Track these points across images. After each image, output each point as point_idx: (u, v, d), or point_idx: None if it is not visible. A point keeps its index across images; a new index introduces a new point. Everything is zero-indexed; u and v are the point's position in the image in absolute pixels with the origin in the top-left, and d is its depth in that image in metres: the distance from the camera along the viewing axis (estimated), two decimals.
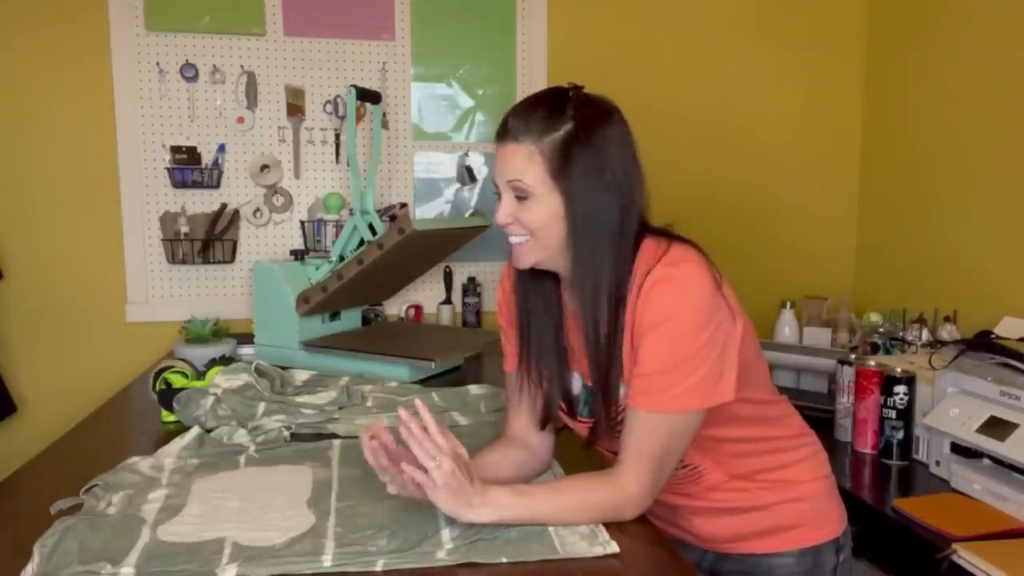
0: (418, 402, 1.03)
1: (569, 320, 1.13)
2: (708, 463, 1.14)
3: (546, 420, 1.18)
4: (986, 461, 1.45)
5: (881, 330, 2.09)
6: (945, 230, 2.35)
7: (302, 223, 2.43)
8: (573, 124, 1.01)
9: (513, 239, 1.06)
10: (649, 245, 1.05)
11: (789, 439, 1.19)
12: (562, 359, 1.14)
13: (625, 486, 1.02)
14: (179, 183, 2.35)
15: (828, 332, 2.23)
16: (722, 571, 1.20)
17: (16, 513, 1.10)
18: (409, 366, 1.86)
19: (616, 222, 1.03)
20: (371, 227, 2.02)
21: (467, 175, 2.55)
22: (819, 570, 1.17)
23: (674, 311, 0.99)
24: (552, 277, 1.13)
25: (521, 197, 1.03)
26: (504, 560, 0.94)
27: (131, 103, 2.33)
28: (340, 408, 1.57)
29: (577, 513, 1.02)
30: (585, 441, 1.16)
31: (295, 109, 2.42)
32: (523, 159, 1.02)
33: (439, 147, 2.54)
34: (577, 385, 1.15)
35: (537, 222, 1.03)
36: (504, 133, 1.04)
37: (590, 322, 1.04)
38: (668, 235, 1.07)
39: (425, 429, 0.98)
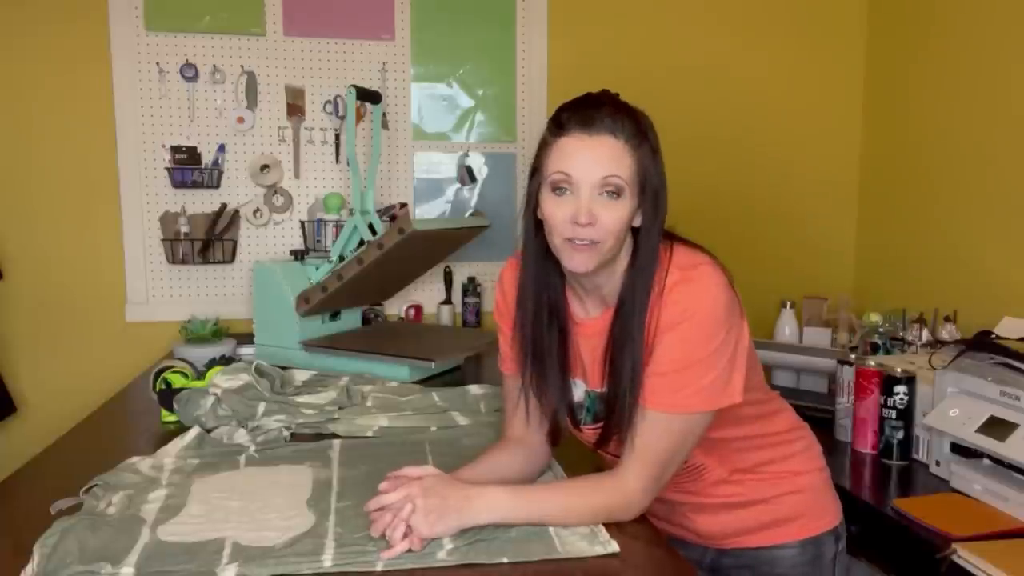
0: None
1: (581, 326, 1.12)
2: (710, 461, 1.14)
3: (556, 433, 1.17)
4: (986, 461, 1.44)
5: (881, 330, 2.09)
6: (945, 230, 2.35)
7: (302, 223, 2.43)
8: (651, 138, 1.03)
9: (580, 241, 1.01)
10: (662, 249, 1.05)
11: (784, 433, 1.20)
12: (564, 368, 1.13)
13: (627, 486, 1.02)
14: (179, 183, 2.35)
15: (828, 332, 2.22)
16: (723, 567, 1.21)
17: (16, 513, 1.11)
18: (409, 366, 1.86)
19: (659, 241, 1.05)
20: (371, 227, 2.02)
21: (467, 175, 2.55)
22: (820, 560, 1.18)
23: (692, 312, 1.00)
24: (558, 283, 1.11)
25: (614, 193, 1.00)
26: (504, 560, 0.94)
27: (131, 103, 2.33)
28: (340, 408, 1.56)
29: (579, 514, 1.02)
30: (594, 445, 1.15)
31: (295, 109, 2.42)
32: (620, 155, 1.00)
33: (439, 147, 2.54)
34: (579, 392, 1.15)
35: (619, 224, 1.00)
36: (594, 124, 1.00)
37: (629, 331, 1.03)
38: (671, 237, 1.08)
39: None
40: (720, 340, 1.00)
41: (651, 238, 1.04)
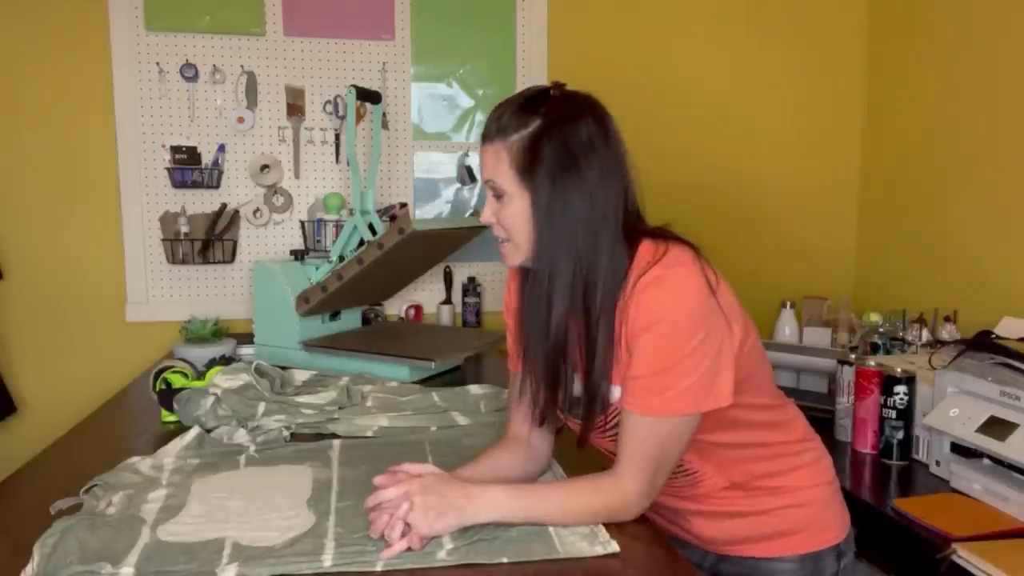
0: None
1: (574, 322, 1.12)
2: (708, 468, 1.13)
3: (542, 418, 1.17)
4: (986, 461, 1.45)
5: (881, 330, 2.09)
6: (945, 230, 2.35)
7: (302, 223, 2.43)
8: (541, 121, 1.02)
9: (499, 242, 1.10)
10: (647, 247, 1.04)
11: (791, 444, 1.18)
12: (559, 358, 1.12)
13: (624, 488, 1.02)
14: (179, 183, 2.35)
15: (828, 332, 2.22)
16: (722, 572, 1.20)
17: (16, 513, 1.11)
18: (409, 366, 1.86)
19: (589, 219, 1.02)
20: (371, 227, 2.02)
21: (467, 175, 2.55)
22: None
23: (665, 313, 0.98)
24: None
25: (498, 196, 1.06)
26: (504, 560, 0.94)
27: (131, 103, 2.33)
28: (340, 408, 1.56)
29: (578, 514, 1.02)
30: (577, 441, 1.15)
31: (295, 109, 2.42)
32: (493, 159, 1.05)
33: (439, 147, 2.54)
34: (579, 386, 1.14)
35: (509, 221, 1.06)
36: (483, 134, 1.07)
37: (589, 326, 1.03)
38: (665, 236, 1.06)
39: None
40: (698, 341, 0.98)
41: (535, 234, 1.04)
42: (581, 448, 1.15)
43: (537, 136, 1.01)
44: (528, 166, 1.02)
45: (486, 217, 1.09)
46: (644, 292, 1.00)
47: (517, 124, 1.03)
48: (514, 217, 1.05)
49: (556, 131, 1.01)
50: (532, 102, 1.04)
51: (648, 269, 1.01)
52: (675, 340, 0.99)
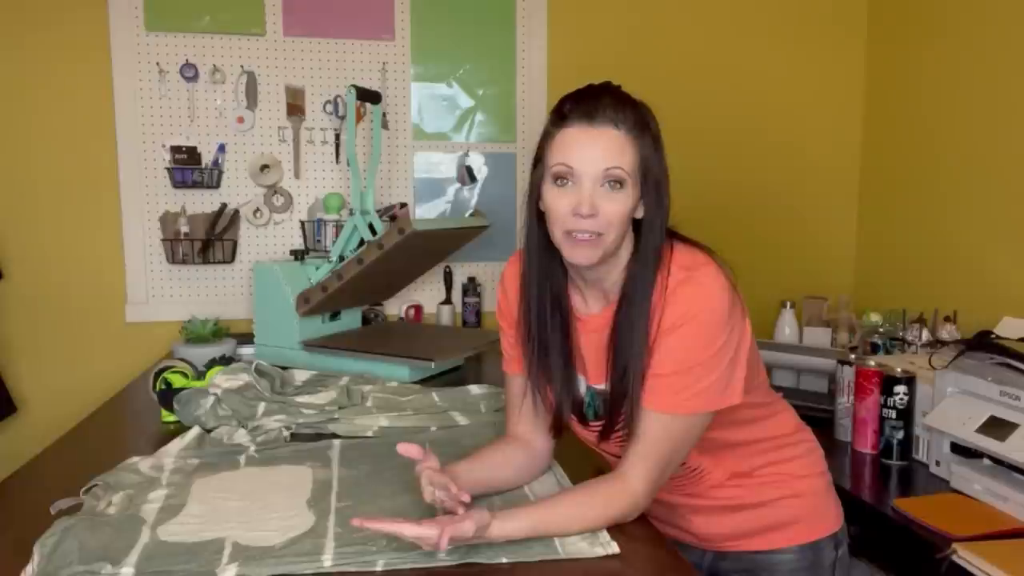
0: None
1: (583, 322, 1.12)
2: (708, 463, 1.14)
3: (559, 426, 1.17)
4: (986, 461, 1.45)
5: (881, 330, 2.09)
6: (945, 230, 2.35)
7: (302, 223, 2.43)
8: (652, 128, 1.03)
9: (582, 235, 1.00)
10: (664, 247, 1.05)
11: (786, 436, 1.19)
12: (568, 363, 1.12)
13: (632, 489, 1.02)
14: (179, 183, 2.35)
15: (828, 332, 2.22)
16: (721, 570, 1.21)
17: (16, 513, 1.11)
18: (409, 366, 1.85)
19: (663, 234, 1.05)
20: (371, 227, 2.02)
21: (467, 175, 2.55)
22: (819, 565, 1.17)
23: (694, 314, 0.99)
24: (559, 279, 1.11)
25: (616, 184, 1.00)
26: (504, 560, 0.94)
27: (131, 103, 2.33)
28: (340, 408, 1.56)
29: (587, 522, 1.01)
30: (595, 442, 1.15)
31: (295, 109, 2.42)
32: (621, 146, 0.99)
33: (439, 147, 2.54)
34: (582, 388, 1.14)
35: (620, 215, 1.00)
36: (597, 116, 1.00)
37: (632, 323, 1.02)
38: (671, 234, 1.07)
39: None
40: (722, 342, 1.00)
41: (654, 230, 1.04)
42: (600, 446, 1.15)
43: (655, 142, 1.03)
44: (648, 168, 1.01)
45: (588, 209, 0.98)
46: (674, 293, 1.01)
47: (639, 121, 1.01)
48: (626, 212, 1.01)
49: (660, 143, 1.04)
50: (626, 99, 1.03)
51: (669, 268, 1.02)
52: (700, 341, 1.00)
